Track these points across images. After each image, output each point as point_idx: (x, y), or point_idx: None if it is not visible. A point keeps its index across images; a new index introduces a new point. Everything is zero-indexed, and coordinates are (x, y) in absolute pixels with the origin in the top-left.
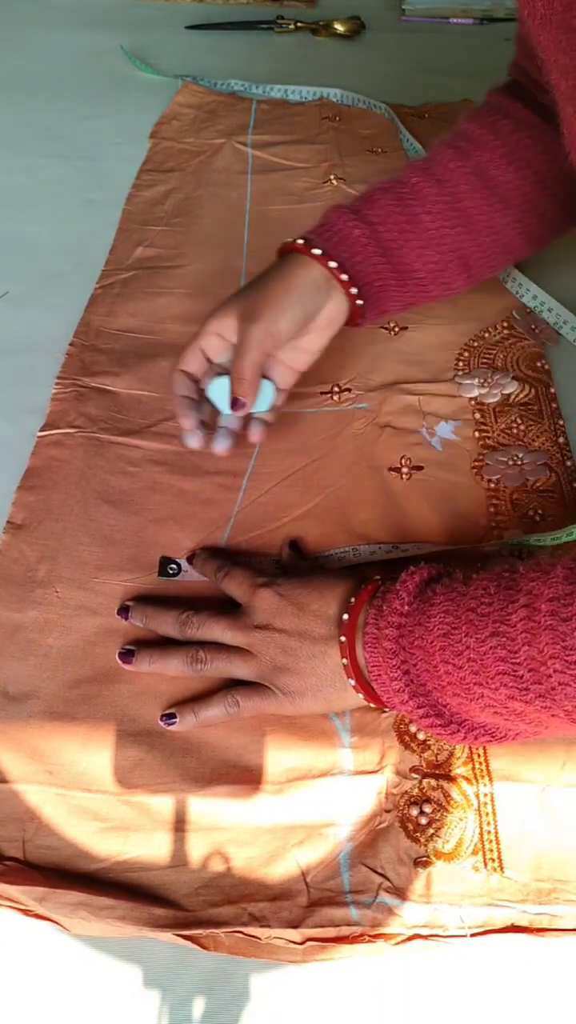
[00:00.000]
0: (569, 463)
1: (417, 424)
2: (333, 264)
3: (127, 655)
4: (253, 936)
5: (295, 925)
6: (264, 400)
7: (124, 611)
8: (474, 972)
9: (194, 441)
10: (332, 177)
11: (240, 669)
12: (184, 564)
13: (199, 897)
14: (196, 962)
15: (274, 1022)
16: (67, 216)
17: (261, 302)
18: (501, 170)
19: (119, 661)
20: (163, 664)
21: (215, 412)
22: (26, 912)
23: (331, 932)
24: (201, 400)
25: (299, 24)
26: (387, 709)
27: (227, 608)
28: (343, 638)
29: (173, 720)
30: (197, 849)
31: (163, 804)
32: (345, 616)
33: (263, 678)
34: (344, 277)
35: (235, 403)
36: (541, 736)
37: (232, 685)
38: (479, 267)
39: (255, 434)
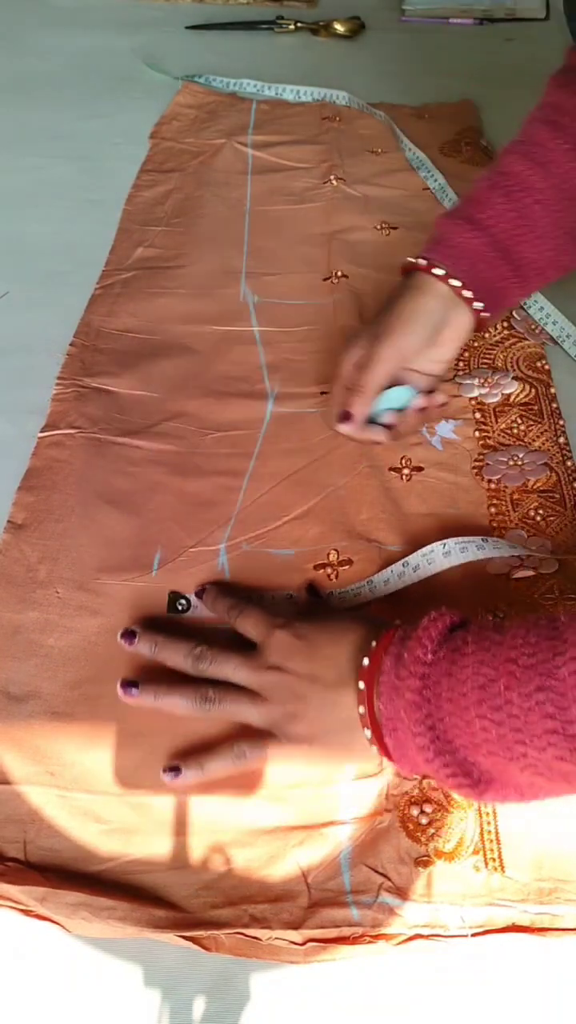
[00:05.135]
0: (569, 463)
1: None
2: (456, 283)
3: (129, 687)
4: (254, 937)
5: (296, 926)
6: (397, 400)
7: (129, 635)
8: (474, 972)
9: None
10: (332, 177)
11: (250, 713)
12: (194, 600)
13: (200, 899)
14: (198, 963)
15: (275, 1021)
16: (67, 216)
17: (390, 323)
18: None
19: (120, 692)
20: (170, 701)
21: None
22: (27, 912)
23: (332, 933)
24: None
25: (299, 24)
26: (400, 771)
27: (240, 645)
28: (361, 684)
29: (177, 773)
30: (198, 850)
31: (164, 805)
32: (365, 661)
33: (273, 725)
34: (468, 294)
35: (343, 415)
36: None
37: (240, 730)
38: None
39: (376, 433)
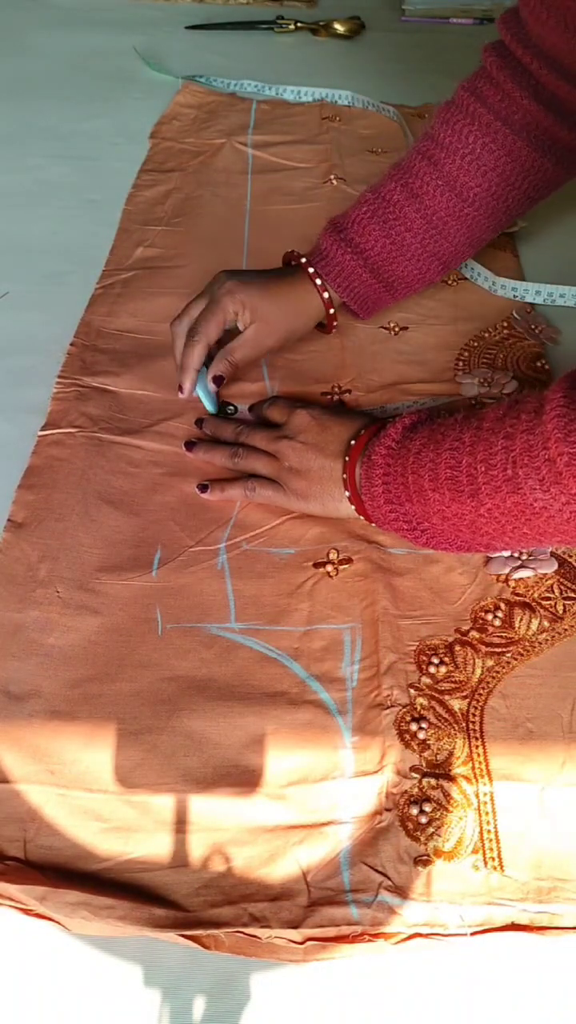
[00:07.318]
0: None
1: None
2: (327, 295)
3: (190, 445)
4: (254, 936)
5: (295, 925)
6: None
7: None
8: (474, 971)
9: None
10: (332, 177)
11: (263, 467)
12: (241, 407)
13: (200, 897)
14: (199, 963)
15: (275, 1021)
16: (67, 216)
17: (279, 320)
18: (470, 177)
19: (183, 449)
20: (212, 455)
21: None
22: (27, 911)
23: (331, 932)
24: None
25: (299, 24)
26: (372, 524)
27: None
28: (347, 458)
29: (204, 489)
30: (198, 849)
31: (164, 804)
32: (353, 442)
33: (278, 477)
34: (331, 311)
35: (217, 379)
36: (491, 550)
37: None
38: (455, 261)
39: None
